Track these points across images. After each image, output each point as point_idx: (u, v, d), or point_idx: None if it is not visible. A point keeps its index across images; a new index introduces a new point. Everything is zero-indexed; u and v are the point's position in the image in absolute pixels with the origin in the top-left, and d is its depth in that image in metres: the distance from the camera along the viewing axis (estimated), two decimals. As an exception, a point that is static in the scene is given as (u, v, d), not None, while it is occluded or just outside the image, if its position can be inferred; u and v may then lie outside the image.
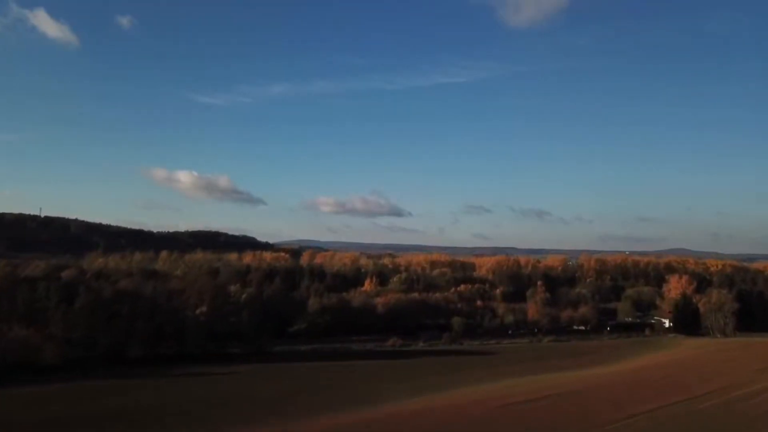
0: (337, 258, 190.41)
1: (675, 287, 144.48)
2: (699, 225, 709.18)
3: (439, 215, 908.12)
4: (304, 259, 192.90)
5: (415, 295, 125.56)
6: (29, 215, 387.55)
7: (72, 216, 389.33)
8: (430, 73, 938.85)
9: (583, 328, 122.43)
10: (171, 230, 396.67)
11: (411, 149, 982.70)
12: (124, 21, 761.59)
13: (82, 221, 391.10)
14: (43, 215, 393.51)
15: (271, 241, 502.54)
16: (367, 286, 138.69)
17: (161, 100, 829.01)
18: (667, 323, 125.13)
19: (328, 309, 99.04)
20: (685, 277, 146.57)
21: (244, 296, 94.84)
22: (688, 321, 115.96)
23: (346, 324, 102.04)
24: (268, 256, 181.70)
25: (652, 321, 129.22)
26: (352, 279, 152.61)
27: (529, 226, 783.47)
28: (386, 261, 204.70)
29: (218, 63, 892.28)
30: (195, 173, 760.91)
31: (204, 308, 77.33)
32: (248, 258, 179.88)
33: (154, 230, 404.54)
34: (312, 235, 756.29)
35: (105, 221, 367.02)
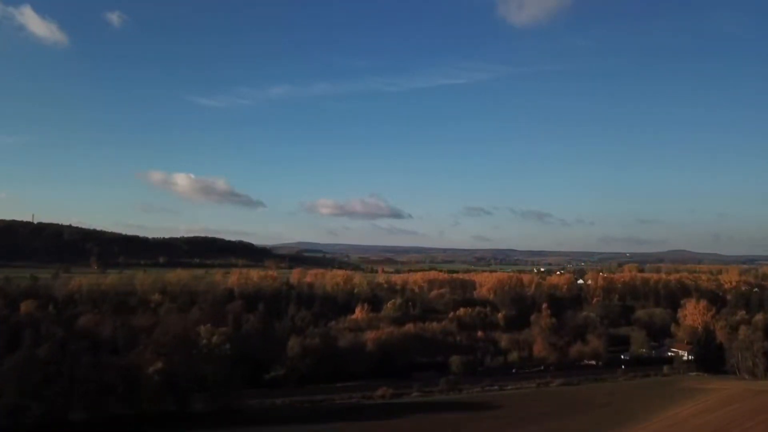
0: (329, 277, 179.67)
1: (692, 313, 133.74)
2: (700, 226, 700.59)
3: (439, 217, 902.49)
4: (294, 277, 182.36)
5: (410, 326, 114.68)
6: (21, 222, 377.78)
7: (66, 222, 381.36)
8: (430, 75, 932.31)
9: (594, 363, 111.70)
10: (168, 235, 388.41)
11: (411, 151, 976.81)
12: (114, 18, 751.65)
13: (76, 227, 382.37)
14: (36, 221, 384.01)
15: (270, 243, 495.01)
16: (359, 313, 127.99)
17: (158, 102, 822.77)
18: (686, 356, 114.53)
19: (311, 351, 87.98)
20: (702, 303, 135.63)
21: (215, 338, 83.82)
22: (711, 357, 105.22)
23: (331, 366, 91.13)
24: (255, 274, 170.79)
25: (670, 353, 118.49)
26: (342, 304, 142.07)
27: (530, 228, 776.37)
28: (381, 279, 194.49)
29: (217, 64, 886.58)
30: (192, 176, 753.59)
31: (160, 365, 66.35)
32: (234, 277, 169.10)
33: (150, 236, 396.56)
34: (312, 238, 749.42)
35: (100, 225, 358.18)
